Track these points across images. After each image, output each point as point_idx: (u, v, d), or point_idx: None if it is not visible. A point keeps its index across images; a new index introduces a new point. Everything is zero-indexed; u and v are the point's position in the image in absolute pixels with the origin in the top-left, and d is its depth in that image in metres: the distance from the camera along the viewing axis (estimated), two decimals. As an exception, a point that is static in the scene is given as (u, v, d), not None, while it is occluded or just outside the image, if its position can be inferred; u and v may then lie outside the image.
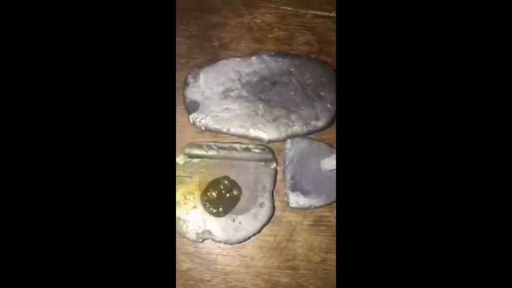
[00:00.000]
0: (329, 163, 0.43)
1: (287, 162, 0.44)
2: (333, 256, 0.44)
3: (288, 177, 0.44)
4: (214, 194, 0.43)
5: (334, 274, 0.44)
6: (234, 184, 0.43)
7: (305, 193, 0.43)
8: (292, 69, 0.45)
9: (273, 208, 0.43)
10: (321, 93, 0.45)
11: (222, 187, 0.43)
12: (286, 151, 0.44)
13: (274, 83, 0.45)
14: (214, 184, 0.43)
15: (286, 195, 0.44)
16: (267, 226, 0.43)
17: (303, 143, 0.44)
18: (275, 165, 0.44)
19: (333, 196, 0.43)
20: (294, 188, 0.43)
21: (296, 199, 0.43)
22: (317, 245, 0.44)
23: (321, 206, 0.43)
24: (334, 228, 0.45)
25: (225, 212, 0.42)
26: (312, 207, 0.43)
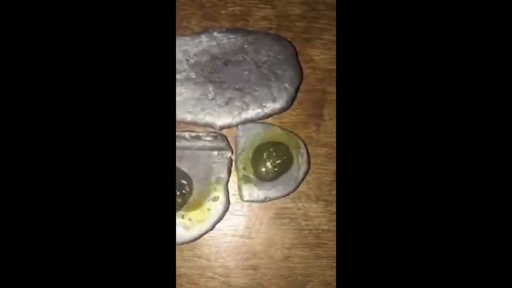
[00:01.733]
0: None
1: (239, 151, 0.39)
2: (297, 252, 0.40)
3: (240, 167, 0.39)
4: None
5: (299, 272, 0.40)
6: (184, 177, 0.38)
7: (259, 184, 0.39)
8: (246, 46, 0.40)
9: (228, 201, 0.39)
10: (278, 72, 0.40)
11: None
12: (238, 138, 0.39)
13: (226, 63, 0.40)
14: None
15: (238, 187, 0.39)
16: (222, 222, 0.39)
17: (256, 129, 0.40)
18: (229, 154, 0.40)
19: (291, 186, 0.39)
20: (246, 180, 0.39)
21: (249, 192, 0.38)
22: (279, 240, 0.40)
23: (278, 198, 0.39)
24: (299, 221, 0.40)
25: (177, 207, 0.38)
26: (267, 199, 0.39)
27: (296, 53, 0.42)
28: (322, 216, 0.41)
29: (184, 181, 0.38)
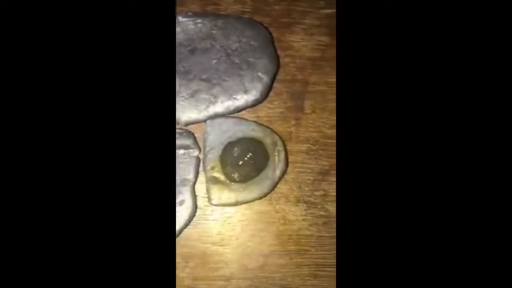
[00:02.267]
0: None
1: (207, 149, 0.35)
2: (275, 260, 0.36)
3: (208, 167, 0.35)
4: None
5: (277, 282, 0.36)
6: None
7: (229, 186, 0.34)
8: (214, 32, 0.36)
9: (195, 205, 0.35)
10: (251, 60, 0.36)
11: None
12: (206, 134, 0.35)
13: (191, 51, 0.36)
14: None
15: (206, 189, 0.35)
16: (190, 228, 0.35)
17: (226, 124, 0.35)
18: (197, 153, 0.36)
19: (265, 187, 0.35)
20: (215, 181, 0.35)
21: (218, 194, 0.34)
22: (254, 247, 0.36)
23: (251, 201, 0.35)
24: (276, 225, 0.36)
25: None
26: (239, 203, 0.35)
27: (272, 39, 0.37)
28: (303, 220, 0.37)
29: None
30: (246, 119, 0.36)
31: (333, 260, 0.36)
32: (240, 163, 0.35)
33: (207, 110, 0.35)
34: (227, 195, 0.34)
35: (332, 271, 0.36)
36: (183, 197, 0.34)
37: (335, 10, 0.40)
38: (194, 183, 0.35)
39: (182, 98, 0.35)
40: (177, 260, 0.35)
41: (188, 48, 0.36)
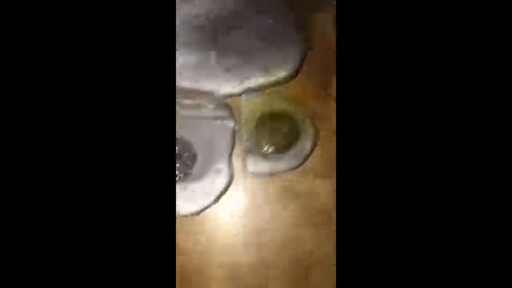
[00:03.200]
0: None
1: (242, 121, 0.37)
2: (303, 232, 0.38)
3: (244, 138, 0.37)
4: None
5: (304, 250, 0.37)
6: (186, 147, 0.36)
7: (264, 156, 0.36)
8: (251, 8, 0.38)
9: (232, 174, 0.37)
10: (286, 36, 0.37)
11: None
12: (242, 108, 0.37)
13: (229, 27, 0.38)
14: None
15: (243, 158, 0.37)
16: (225, 197, 0.37)
17: (260, 98, 0.37)
18: (233, 124, 0.37)
19: (297, 160, 0.36)
20: (251, 151, 0.36)
21: (254, 163, 0.36)
22: (284, 218, 0.38)
23: (284, 171, 0.37)
24: (305, 198, 0.38)
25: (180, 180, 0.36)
26: (273, 172, 0.36)
27: (305, 18, 0.39)
28: (330, 193, 0.38)
29: (186, 152, 0.36)
30: (278, 95, 0.38)
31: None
32: (273, 135, 0.36)
33: (243, 84, 0.37)
34: (262, 165, 0.36)
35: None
36: (220, 165, 0.36)
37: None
38: (231, 153, 0.37)
39: (221, 72, 0.37)
40: (212, 226, 0.37)
41: (226, 23, 0.37)
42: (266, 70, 0.37)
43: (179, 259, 0.37)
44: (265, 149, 0.36)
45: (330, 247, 0.38)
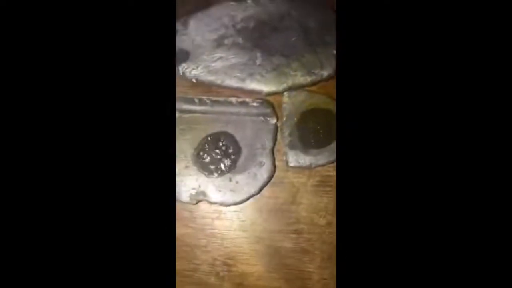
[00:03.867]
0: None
1: (284, 118, 0.40)
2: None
3: (286, 133, 0.39)
4: (208, 152, 0.39)
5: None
6: (231, 142, 0.39)
7: (304, 151, 0.39)
8: (293, 12, 0.40)
9: (274, 167, 0.39)
10: (326, 38, 0.39)
11: (218, 145, 0.39)
12: (284, 105, 0.40)
13: (273, 28, 0.40)
14: (208, 141, 0.39)
15: (284, 153, 0.39)
16: (267, 187, 0.40)
17: (301, 96, 0.39)
18: (275, 120, 0.40)
19: (334, 154, 0.39)
20: (292, 146, 0.39)
21: (295, 158, 0.39)
22: (323, 207, 0.40)
23: (323, 165, 0.39)
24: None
25: (221, 172, 0.39)
26: (313, 166, 0.39)
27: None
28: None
29: (231, 146, 0.39)
30: (319, 92, 0.40)
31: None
32: (314, 131, 0.39)
33: (286, 83, 0.39)
34: (303, 159, 0.39)
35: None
36: (262, 159, 0.39)
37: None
38: (273, 147, 0.39)
39: (265, 71, 0.39)
40: (255, 215, 0.40)
41: (270, 26, 0.40)
42: (308, 70, 0.39)
43: (220, 244, 0.40)
44: (307, 143, 0.39)
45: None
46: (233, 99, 0.39)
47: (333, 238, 0.40)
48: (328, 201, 0.40)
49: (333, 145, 0.39)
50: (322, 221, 0.40)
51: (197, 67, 0.39)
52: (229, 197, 0.39)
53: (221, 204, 0.39)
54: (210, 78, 0.39)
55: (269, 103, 0.40)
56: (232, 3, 0.40)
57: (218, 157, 0.39)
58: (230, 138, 0.39)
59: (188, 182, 0.39)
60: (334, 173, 0.41)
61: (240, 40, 0.40)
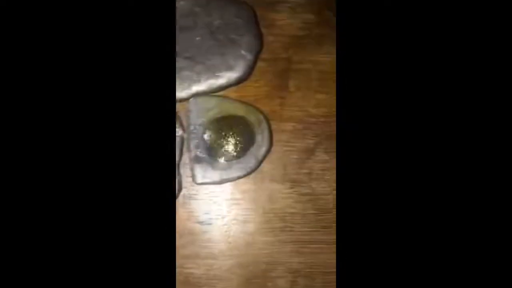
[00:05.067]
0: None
1: (190, 128, 0.35)
2: (260, 238, 0.36)
3: (192, 145, 0.35)
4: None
5: (262, 259, 0.36)
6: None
7: (214, 164, 0.34)
8: (197, 9, 0.36)
9: (180, 184, 0.35)
10: (233, 37, 0.35)
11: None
12: (189, 113, 0.35)
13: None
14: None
15: (190, 168, 0.35)
16: (176, 206, 0.35)
17: (209, 102, 0.35)
18: (181, 132, 0.35)
19: (250, 166, 0.35)
20: (199, 160, 0.35)
21: (202, 173, 0.34)
22: (240, 226, 0.36)
23: (236, 179, 0.35)
24: (262, 203, 0.36)
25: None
26: (224, 181, 0.35)
27: (255, 16, 0.37)
28: (288, 197, 0.37)
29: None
30: (230, 97, 0.36)
31: (317, 237, 0.36)
32: (224, 141, 0.35)
33: (190, 88, 0.35)
34: (211, 174, 0.34)
35: (317, 247, 0.36)
36: (167, 176, 0.34)
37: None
38: (179, 162, 0.35)
39: (165, 76, 0.34)
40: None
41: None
42: (214, 72, 0.35)
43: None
44: (216, 156, 0.34)
45: (289, 252, 0.37)
46: (131, 109, 0.35)
47: (252, 260, 0.36)
48: (244, 218, 0.36)
49: (246, 156, 0.35)
50: (240, 242, 0.36)
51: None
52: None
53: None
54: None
55: (173, 112, 0.35)
56: (129, 0, 0.36)
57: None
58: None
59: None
60: (252, 187, 0.36)
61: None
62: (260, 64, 0.38)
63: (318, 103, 0.38)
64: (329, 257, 0.36)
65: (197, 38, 0.35)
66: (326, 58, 0.38)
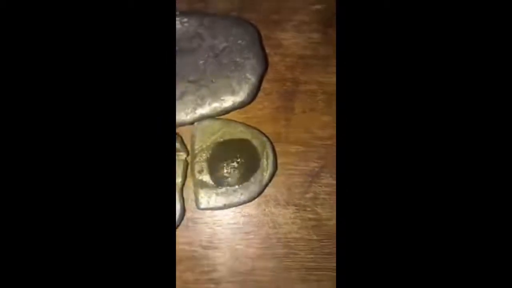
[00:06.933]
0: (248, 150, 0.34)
1: (195, 152, 0.35)
2: (264, 264, 0.36)
3: (196, 170, 0.34)
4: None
5: (266, 286, 0.36)
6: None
7: (218, 189, 0.34)
8: (201, 31, 0.35)
9: (183, 209, 0.34)
10: (238, 60, 0.35)
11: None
12: (193, 137, 0.35)
13: (178, 51, 0.35)
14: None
15: (194, 193, 0.34)
16: (179, 231, 0.35)
17: (214, 126, 0.35)
18: (185, 156, 0.35)
19: (255, 191, 0.34)
20: (203, 184, 0.34)
21: (206, 198, 0.34)
22: (244, 251, 0.36)
23: (239, 204, 0.34)
24: (265, 228, 0.36)
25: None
26: (227, 206, 0.34)
27: (260, 37, 0.36)
28: (292, 223, 0.36)
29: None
30: (234, 121, 0.36)
31: (322, 264, 0.36)
32: (228, 166, 0.34)
33: (194, 112, 0.34)
34: (215, 199, 0.34)
35: (321, 275, 0.36)
36: (170, 201, 0.34)
37: (325, 6, 0.39)
38: (182, 186, 0.34)
39: (168, 100, 0.34)
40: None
41: (175, 48, 0.35)
42: (219, 96, 0.34)
43: None
44: (220, 181, 0.34)
45: (294, 279, 0.36)
46: (134, 133, 0.34)
47: (256, 286, 0.36)
48: (248, 244, 0.36)
49: (251, 181, 0.34)
50: (244, 268, 0.36)
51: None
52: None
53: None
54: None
55: (176, 136, 0.35)
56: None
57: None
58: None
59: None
60: (256, 212, 0.36)
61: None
62: (265, 85, 0.37)
63: (323, 125, 0.37)
64: (334, 285, 0.35)
65: (201, 62, 0.35)
66: (331, 79, 0.38)
